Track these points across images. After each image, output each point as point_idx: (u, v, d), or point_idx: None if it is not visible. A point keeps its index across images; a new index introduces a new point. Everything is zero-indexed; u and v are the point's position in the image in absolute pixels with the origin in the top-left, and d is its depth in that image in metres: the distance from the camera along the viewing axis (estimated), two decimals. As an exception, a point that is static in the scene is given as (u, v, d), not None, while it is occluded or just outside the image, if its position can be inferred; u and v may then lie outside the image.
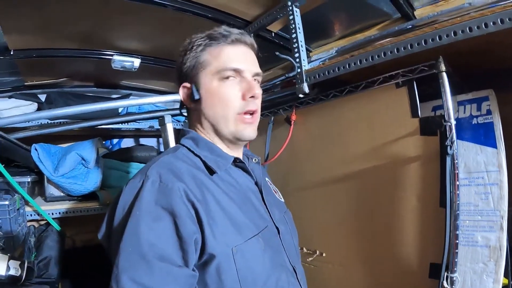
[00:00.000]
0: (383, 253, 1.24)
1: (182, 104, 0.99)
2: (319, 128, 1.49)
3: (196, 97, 0.89)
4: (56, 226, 1.57)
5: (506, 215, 1.07)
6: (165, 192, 0.74)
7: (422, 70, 1.11)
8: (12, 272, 1.19)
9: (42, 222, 1.67)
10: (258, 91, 0.90)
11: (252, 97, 0.88)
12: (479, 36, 0.92)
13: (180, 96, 0.95)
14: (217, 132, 0.91)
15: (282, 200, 1.10)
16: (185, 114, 1.03)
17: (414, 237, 1.15)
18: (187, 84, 0.93)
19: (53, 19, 1.38)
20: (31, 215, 1.57)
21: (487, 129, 1.10)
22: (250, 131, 0.91)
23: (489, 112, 1.10)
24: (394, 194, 1.20)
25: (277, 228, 0.91)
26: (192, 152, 0.89)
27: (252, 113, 0.90)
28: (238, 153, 0.97)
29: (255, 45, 0.95)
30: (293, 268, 0.90)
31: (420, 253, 1.14)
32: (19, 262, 1.21)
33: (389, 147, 1.22)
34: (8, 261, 1.19)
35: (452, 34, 0.97)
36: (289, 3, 1.39)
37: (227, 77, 0.88)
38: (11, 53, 1.52)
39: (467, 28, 0.94)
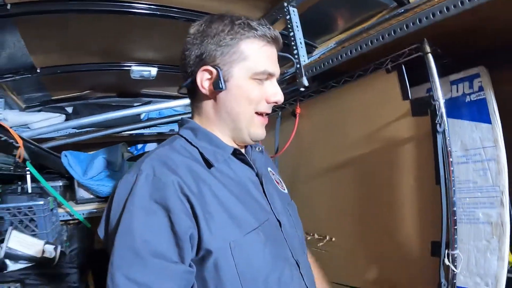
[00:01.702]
0: (386, 234, 1.26)
1: (191, 88, 0.89)
2: (322, 118, 1.55)
3: (222, 87, 0.82)
4: (86, 223, 1.72)
5: (506, 190, 1.06)
6: (158, 186, 0.72)
7: (410, 54, 1.14)
8: (46, 254, 1.34)
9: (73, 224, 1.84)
10: (281, 98, 0.89)
11: (276, 102, 0.89)
12: (465, 13, 0.92)
13: (198, 78, 0.84)
14: (231, 126, 0.88)
15: (286, 191, 1.06)
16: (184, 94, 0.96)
17: (414, 216, 1.17)
18: (213, 69, 0.83)
19: (73, 38, 1.53)
20: (63, 216, 1.73)
21: (480, 105, 1.11)
22: (263, 132, 0.91)
23: (481, 89, 1.11)
24: (392, 175, 1.23)
25: (278, 221, 0.88)
26: (190, 143, 0.85)
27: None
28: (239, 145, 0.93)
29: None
30: (296, 262, 0.87)
31: (421, 232, 1.15)
32: (53, 246, 1.37)
33: (384, 130, 1.26)
34: (44, 245, 1.35)
35: (431, 16, 0.99)
36: (285, 4, 1.46)
37: (261, 79, 0.86)
38: (38, 71, 1.67)
39: (444, 8, 0.95)
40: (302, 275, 0.87)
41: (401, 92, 1.19)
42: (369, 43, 1.17)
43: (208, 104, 0.88)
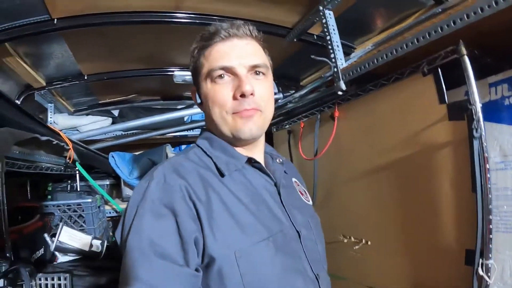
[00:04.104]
0: (421, 240, 1.25)
1: None
2: (360, 121, 1.54)
3: (198, 101, 0.91)
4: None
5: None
6: (167, 190, 0.74)
7: (445, 56, 1.11)
8: (94, 248, 1.46)
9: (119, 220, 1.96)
10: (249, 88, 0.81)
11: (243, 96, 0.81)
12: (500, 13, 0.88)
13: (193, 98, 0.96)
14: (218, 132, 0.89)
15: (310, 203, 1.04)
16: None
17: (449, 223, 1.14)
18: (193, 88, 0.94)
19: (118, 46, 1.63)
20: (110, 212, 1.86)
21: (520, 108, 1.06)
22: (249, 126, 0.84)
23: (520, 91, 1.06)
24: (428, 181, 1.20)
25: (298, 232, 0.86)
26: (205, 152, 0.88)
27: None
28: (254, 153, 0.92)
29: (254, 33, 0.88)
30: (316, 277, 0.84)
31: (456, 240, 1.12)
32: (100, 241, 1.48)
33: (421, 135, 1.23)
34: (92, 240, 1.46)
35: (465, 17, 0.95)
36: (321, 8, 1.46)
37: (219, 77, 0.83)
38: (85, 78, 1.79)
39: (479, 9, 0.92)
40: None
41: (438, 95, 1.15)
42: (404, 46, 1.15)
43: (206, 118, 0.94)
